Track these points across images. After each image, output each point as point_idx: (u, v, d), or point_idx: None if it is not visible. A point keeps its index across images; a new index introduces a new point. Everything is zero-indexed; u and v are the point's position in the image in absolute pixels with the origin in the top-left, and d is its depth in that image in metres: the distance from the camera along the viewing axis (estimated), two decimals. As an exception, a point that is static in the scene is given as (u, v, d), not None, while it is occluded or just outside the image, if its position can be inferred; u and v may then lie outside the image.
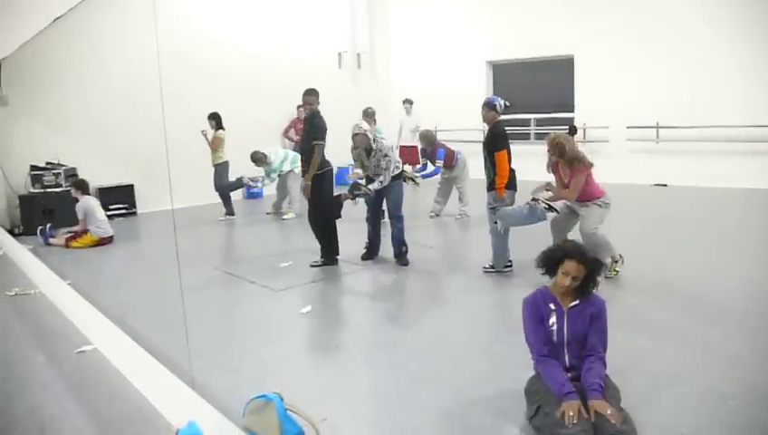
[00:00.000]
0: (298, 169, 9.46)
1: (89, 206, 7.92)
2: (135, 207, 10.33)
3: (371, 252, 6.68)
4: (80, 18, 8.51)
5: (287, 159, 9.83)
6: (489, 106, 5.82)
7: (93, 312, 4.59)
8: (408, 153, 11.19)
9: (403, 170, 6.80)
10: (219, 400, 3.15)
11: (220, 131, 9.49)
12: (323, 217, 6.40)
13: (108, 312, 4.61)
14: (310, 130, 6.31)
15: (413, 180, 8.26)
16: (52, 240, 8.02)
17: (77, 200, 7.99)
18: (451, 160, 8.99)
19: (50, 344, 4.44)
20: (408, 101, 11.91)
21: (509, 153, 5.70)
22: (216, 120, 9.50)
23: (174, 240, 7.16)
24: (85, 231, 7.88)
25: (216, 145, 9.46)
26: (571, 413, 2.65)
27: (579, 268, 2.98)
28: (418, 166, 10.12)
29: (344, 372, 3.79)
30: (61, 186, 9.05)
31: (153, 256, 7.49)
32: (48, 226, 8.23)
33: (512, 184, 5.73)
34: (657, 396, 3.19)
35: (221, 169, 9.64)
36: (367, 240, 6.71)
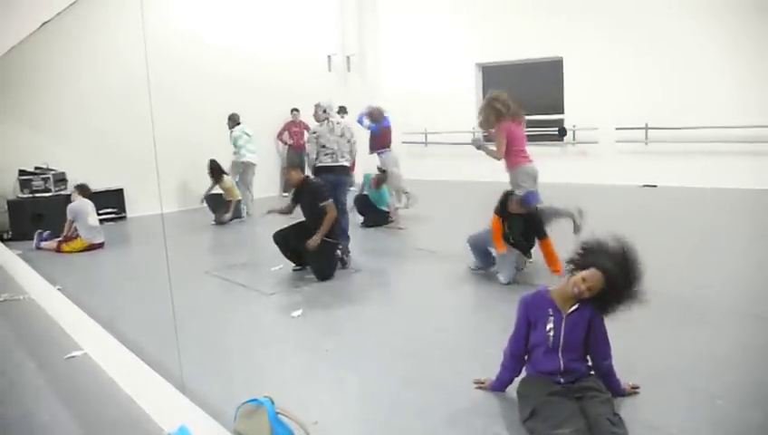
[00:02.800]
0: (252, 157, 9.92)
1: (81, 209, 7.89)
2: (125, 211, 10.30)
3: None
4: (68, 23, 8.45)
5: (250, 141, 9.99)
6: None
7: (83, 317, 4.57)
8: None
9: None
10: (210, 404, 3.15)
11: (226, 179, 9.54)
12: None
13: (98, 317, 4.59)
14: (312, 198, 6.04)
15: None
16: (43, 244, 7.98)
17: (71, 200, 7.96)
18: (381, 144, 9.08)
19: (39, 350, 4.42)
20: (342, 110, 11.82)
21: None
22: (213, 169, 9.40)
23: (164, 244, 7.14)
24: (76, 235, 7.84)
25: (232, 192, 9.53)
26: (482, 380, 3.38)
27: (599, 280, 2.97)
28: None
29: (335, 375, 3.79)
30: (50, 190, 9.01)
31: (143, 260, 7.48)
32: (47, 232, 8.17)
33: None
34: (645, 396, 3.21)
35: (239, 206, 9.82)
36: None
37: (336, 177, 6.47)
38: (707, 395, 3.22)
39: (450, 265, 6.36)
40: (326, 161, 6.49)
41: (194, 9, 11.38)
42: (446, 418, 3.12)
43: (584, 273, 2.99)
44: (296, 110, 12.16)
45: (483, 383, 3.38)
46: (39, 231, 8.23)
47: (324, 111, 6.63)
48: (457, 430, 3.00)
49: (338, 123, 6.63)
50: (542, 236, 5.46)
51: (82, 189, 8.16)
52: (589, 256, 3.06)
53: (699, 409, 3.09)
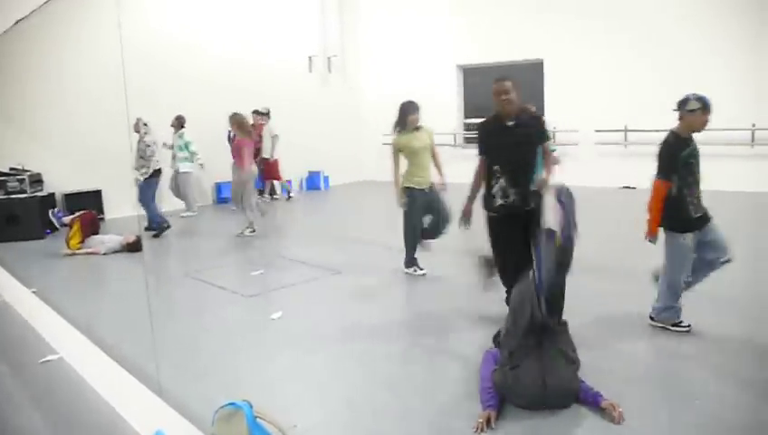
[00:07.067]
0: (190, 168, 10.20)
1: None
2: (103, 212, 10.16)
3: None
4: (43, 20, 8.33)
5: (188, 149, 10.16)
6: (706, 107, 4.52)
7: (59, 320, 4.51)
8: (268, 168, 11.40)
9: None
10: (188, 408, 3.11)
11: None
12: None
13: (74, 320, 4.52)
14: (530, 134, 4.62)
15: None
16: (65, 219, 7.91)
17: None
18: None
19: (14, 354, 4.34)
20: (257, 112, 11.69)
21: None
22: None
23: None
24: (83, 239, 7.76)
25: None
26: (480, 420, 2.97)
27: None
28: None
29: (315, 378, 3.77)
30: (25, 192, 8.85)
31: (121, 262, 7.36)
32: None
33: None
34: (623, 397, 3.22)
35: None
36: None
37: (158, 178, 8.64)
38: (686, 396, 3.25)
39: (432, 266, 6.36)
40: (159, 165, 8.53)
41: (173, 9, 11.26)
42: (427, 421, 3.12)
43: None
44: (257, 112, 11.95)
45: (482, 420, 3.01)
46: (52, 210, 8.31)
47: (145, 124, 8.33)
48: (438, 432, 3.00)
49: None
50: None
51: None
52: None
53: (678, 410, 3.12)
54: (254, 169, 8.64)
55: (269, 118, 11.56)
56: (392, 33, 14.61)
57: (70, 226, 7.75)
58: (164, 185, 9.78)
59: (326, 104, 13.71)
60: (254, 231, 8.37)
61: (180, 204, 10.54)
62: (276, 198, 12.21)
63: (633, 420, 2.98)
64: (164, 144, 9.76)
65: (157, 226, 8.55)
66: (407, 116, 5.91)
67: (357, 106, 14.56)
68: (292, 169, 13.05)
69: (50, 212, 8.30)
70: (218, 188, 11.79)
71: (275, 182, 11.96)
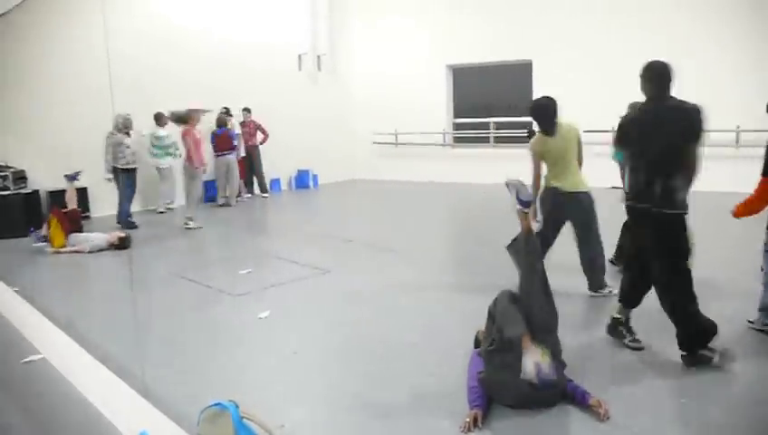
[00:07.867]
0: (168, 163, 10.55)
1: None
2: (88, 210, 10.06)
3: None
4: (25, 15, 8.24)
5: (171, 146, 10.49)
6: None
7: (41, 320, 4.45)
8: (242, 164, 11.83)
9: None
10: (173, 408, 3.07)
11: None
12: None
13: (57, 320, 4.47)
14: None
15: None
16: (42, 232, 7.72)
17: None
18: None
19: (-5, 354, 4.28)
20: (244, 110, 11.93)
21: None
22: None
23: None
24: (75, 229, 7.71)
25: None
26: (468, 419, 2.96)
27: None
28: None
29: (302, 377, 3.74)
30: (8, 189, 8.74)
31: (106, 260, 7.28)
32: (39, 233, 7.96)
33: None
34: (609, 395, 3.21)
35: None
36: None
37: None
38: (671, 395, 3.25)
39: (412, 269, 6.35)
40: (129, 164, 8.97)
41: (160, 7, 11.15)
42: (414, 420, 3.10)
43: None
44: (247, 110, 11.95)
45: (470, 420, 2.98)
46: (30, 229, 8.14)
47: (125, 126, 8.80)
48: (425, 431, 2.99)
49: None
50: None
51: None
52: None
53: (664, 409, 3.12)
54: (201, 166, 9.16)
55: (230, 116, 11.70)
56: (382, 33, 14.60)
57: (48, 224, 7.63)
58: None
59: (315, 103, 13.67)
60: (187, 223, 8.92)
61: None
62: (266, 196, 12.16)
63: (619, 417, 2.98)
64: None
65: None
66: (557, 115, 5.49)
67: (346, 104, 14.53)
68: (280, 168, 13.03)
69: (29, 230, 8.05)
70: (204, 185, 11.71)
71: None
